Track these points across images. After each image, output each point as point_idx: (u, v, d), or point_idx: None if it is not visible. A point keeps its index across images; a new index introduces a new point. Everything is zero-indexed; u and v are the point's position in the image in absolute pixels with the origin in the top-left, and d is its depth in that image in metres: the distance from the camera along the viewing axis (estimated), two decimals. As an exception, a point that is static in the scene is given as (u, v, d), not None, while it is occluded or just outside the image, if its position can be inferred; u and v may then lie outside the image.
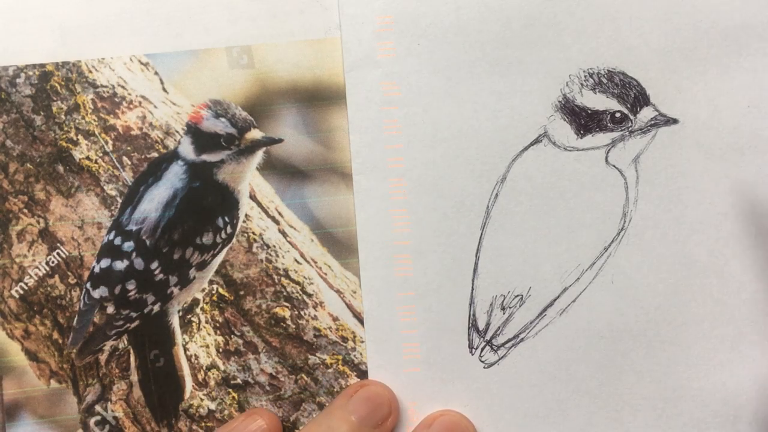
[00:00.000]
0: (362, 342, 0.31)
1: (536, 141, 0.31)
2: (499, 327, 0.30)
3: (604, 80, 0.31)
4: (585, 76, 0.31)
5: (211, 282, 0.32)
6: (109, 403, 0.31)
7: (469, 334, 0.31)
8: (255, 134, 0.32)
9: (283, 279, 0.32)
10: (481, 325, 0.31)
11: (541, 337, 0.30)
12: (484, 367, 0.30)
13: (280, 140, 0.32)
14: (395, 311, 0.31)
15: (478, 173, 0.31)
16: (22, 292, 0.31)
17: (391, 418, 0.29)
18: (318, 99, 0.32)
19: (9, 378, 0.31)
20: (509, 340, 0.30)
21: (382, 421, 0.29)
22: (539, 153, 0.31)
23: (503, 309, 0.30)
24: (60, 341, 0.31)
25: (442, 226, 0.31)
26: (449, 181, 0.31)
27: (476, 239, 0.31)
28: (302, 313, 0.31)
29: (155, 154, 0.32)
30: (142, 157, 0.32)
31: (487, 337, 0.30)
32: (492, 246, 0.31)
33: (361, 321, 0.31)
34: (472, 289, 0.30)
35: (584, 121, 0.31)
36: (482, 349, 0.30)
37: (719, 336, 0.30)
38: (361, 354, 0.31)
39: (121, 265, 0.31)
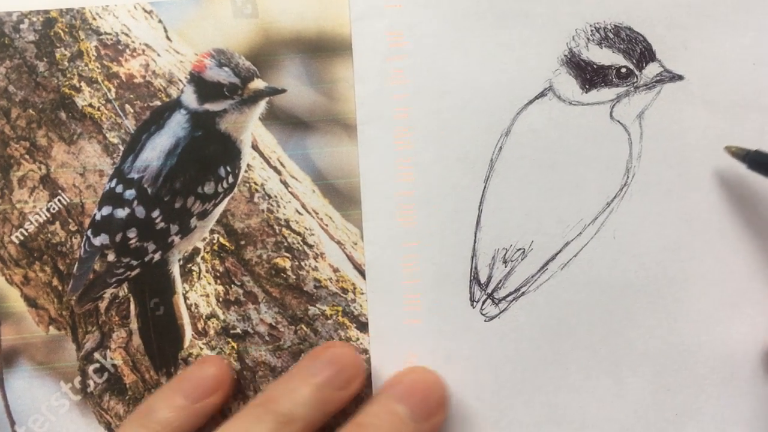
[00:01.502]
0: (362, 294, 0.31)
1: (541, 95, 0.31)
2: (500, 280, 0.30)
3: (611, 35, 0.31)
4: (591, 31, 0.31)
5: (212, 231, 0.32)
6: (108, 350, 0.31)
7: (470, 287, 0.30)
8: (258, 84, 0.31)
9: (284, 229, 0.32)
10: (483, 278, 0.30)
11: (543, 291, 0.30)
12: (484, 321, 0.30)
13: (283, 90, 0.31)
14: (397, 261, 0.31)
15: (483, 125, 0.31)
16: (22, 238, 0.31)
17: (357, 381, 0.28)
18: (322, 50, 0.32)
19: (7, 324, 0.31)
20: (510, 294, 0.30)
21: (346, 383, 0.28)
22: (544, 107, 0.30)
23: (505, 262, 0.30)
24: (60, 288, 0.31)
25: (446, 178, 0.31)
26: (454, 133, 0.31)
27: (479, 192, 0.30)
28: (303, 263, 0.31)
29: (158, 103, 0.31)
30: (145, 105, 0.32)
31: (489, 291, 0.30)
32: (495, 199, 0.30)
33: (361, 273, 0.31)
34: (475, 241, 0.30)
35: (590, 75, 0.30)
36: (483, 302, 0.30)
37: (719, 293, 0.30)
38: (360, 306, 0.31)
39: (122, 212, 0.31)
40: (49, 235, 0.31)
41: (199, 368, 0.29)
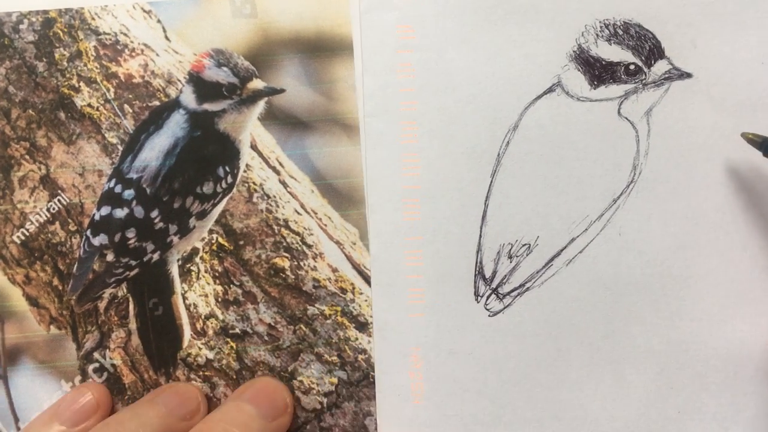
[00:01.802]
0: (361, 294, 0.31)
1: (549, 90, 0.30)
2: (505, 275, 0.30)
3: (620, 31, 0.30)
4: (601, 27, 0.30)
5: (211, 231, 0.31)
6: (107, 350, 0.31)
7: (475, 282, 0.30)
8: (257, 84, 0.31)
9: (282, 229, 0.31)
10: (488, 273, 0.30)
11: (547, 287, 0.30)
12: (489, 315, 0.30)
13: (281, 90, 0.31)
14: (402, 255, 0.30)
15: (491, 120, 0.30)
16: (23, 237, 0.31)
17: (199, 416, 0.30)
18: (321, 50, 0.31)
19: (10, 322, 0.31)
20: (515, 289, 0.30)
21: (190, 416, 0.29)
22: (552, 102, 0.30)
23: (510, 257, 0.30)
24: (60, 288, 0.31)
25: (452, 172, 0.30)
26: (461, 127, 0.30)
27: (486, 186, 0.30)
28: (302, 263, 0.31)
29: (157, 103, 0.31)
30: (144, 105, 0.31)
31: (493, 285, 0.30)
32: (501, 194, 0.30)
33: (360, 273, 0.31)
34: (480, 236, 0.30)
35: (598, 72, 0.30)
36: (488, 297, 0.30)
37: (723, 292, 0.29)
38: (359, 306, 0.31)
39: (121, 212, 0.31)
40: (49, 235, 0.31)
41: (77, 393, 0.30)
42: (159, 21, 0.32)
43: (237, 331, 0.31)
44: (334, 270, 0.31)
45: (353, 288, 0.31)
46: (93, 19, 0.31)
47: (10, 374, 0.31)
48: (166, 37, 0.32)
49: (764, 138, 0.28)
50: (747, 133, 0.28)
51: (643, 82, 0.30)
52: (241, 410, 0.28)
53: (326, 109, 0.31)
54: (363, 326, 0.31)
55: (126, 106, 0.31)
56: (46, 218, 0.31)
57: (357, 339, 0.31)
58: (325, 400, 0.31)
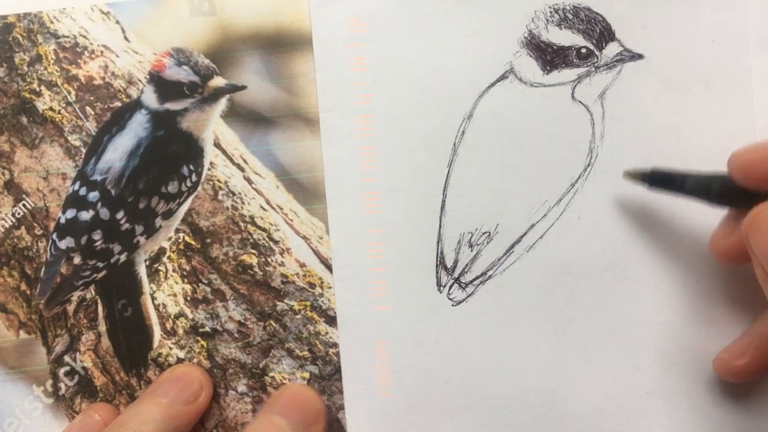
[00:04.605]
0: (330, 288, 0.31)
1: (502, 77, 0.30)
2: (467, 264, 0.30)
3: (570, 16, 0.30)
4: (551, 12, 0.30)
5: (177, 230, 0.31)
6: (77, 353, 0.31)
7: (437, 272, 0.30)
8: (218, 82, 0.31)
9: (249, 226, 0.31)
10: (449, 263, 0.30)
11: (509, 274, 0.30)
12: (452, 305, 0.30)
13: (243, 87, 0.31)
14: (364, 249, 0.30)
15: (445, 110, 0.30)
16: (-12, 244, 0.31)
17: (204, 394, 0.30)
18: (281, 45, 0.31)
19: (-23, 330, 0.31)
20: (477, 278, 0.30)
21: (194, 397, 0.29)
22: (506, 89, 0.30)
23: (471, 246, 0.30)
24: (28, 292, 0.31)
25: (409, 164, 0.30)
26: (416, 118, 0.30)
27: (443, 176, 0.30)
28: (269, 259, 0.31)
29: (118, 104, 0.31)
30: (106, 106, 0.31)
31: (455, 275, 0.30)
32: (459, 183, 0.30)
33: (328, 267, 0.31)
34: (440, 226, 0.30)
35: (550, 56, 0.30)
36: (450, 287, 0.30)
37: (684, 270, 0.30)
38: (329, 300, 0.31)
39: (86, 215, 0.31)
40: (15, 240, 0.31)
41: (84, 416, 0.30)
42: (117, 22, 0.32)
43: (207, 329, 0.31)
44: (302, 265, 0.31)
45: (321, 282, 0.31)
46: (52, 22, 0.31)
47: (-19, 381, 0.31)
48: (126, 38, 0.32)
49: (644, 171, 0.28)
50: (627, 171, 0.29)
51: (595, 65, 0.30)
52: (273, 424, 0.28)
53: (288, 104, 0.31)
54: (332, 320, 0.31)
55: (88, 109, 0.31)
56: (11, 223, 0.31)
57: (327, 333, 0.31)
58: (298, 394, 0.31)
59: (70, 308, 0.31)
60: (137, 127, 0.31)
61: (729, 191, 0.26)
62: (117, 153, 0.31)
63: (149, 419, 0.28)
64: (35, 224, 0.31)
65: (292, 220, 0.31)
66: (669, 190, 0.28)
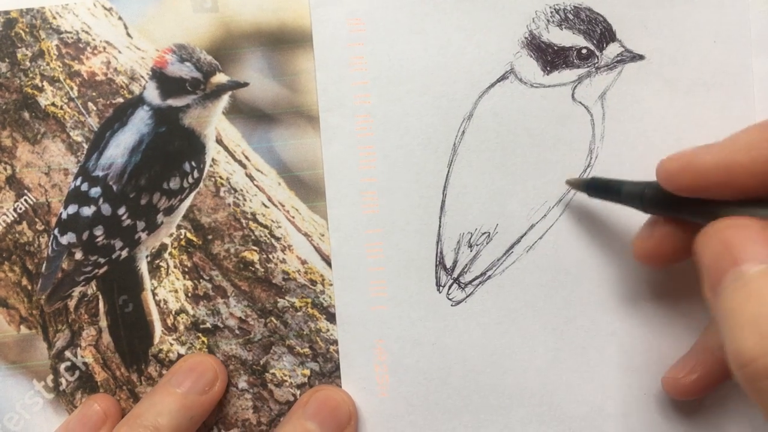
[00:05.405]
0: (331, 285, 0.31)
1: (503, 77, 0.30)
2: (466, 264, 0.30)
3: (571, 16, 0.30)
4: (551, 12, 0.30)
5: (179, 227, 0.32)
6: (78, 348, 0.31)
7: (436, 272, 0.30)
8: (220, 78, 0.31)
9: (251, 223, 0.32)
10: (449, 263, 0.30)
11: (508, 275, 0.30)
12: (451, 305, 0.30)
13: (245, 84, 0.31)
14: (363, 249, 0.30)
15: (445, 110, 0.30)
16: (-11, 239, 0.31)
17: (219, 383, 0.30)
18: (283, 42, 0.31)
19: (-21, 325, 0.31)
20: (476, 278, 0.30)
21: (209, 386, 0.29)
22: (506, 89, 0.30)
23: (470, 246, 0.30)
24: (29, 287, 0.31)
25: (409, 164, 0.30)
26: (416, 118, 0.30)
27: (443, 176, 0.30)
28: (270, 256, 0.31)
29: (120, 100, 0.32)
30: (108, 102, 0.32)
31: (455, 275, 0.30)
32: (459, 183, 0.30)
33: (329, 264, 0.31)
34: (440, 226, 0.30)
35: (550, 57, 0.30)
36: (449, 287, 0.30)
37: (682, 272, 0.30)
38: (330, 297, 0.31)
39: (88, 210, 0.31)
40: (16, 235, 0.31)
41: (85, 407, 0.30)
42: (120, 18, 0.32)
43: (208, 325, 0.31)
44: (303, 262, 0.31)
45: (323, 279, 0.31)
46: (54, 18, 0.31)
47: (-18, 375, 0.31)
48: (128, 34, 0.32)
49: (583, 180, 0.29)
50: (569, 180, 0.29)
51: (596, 65, 0.30)
52: (304, 428, 0.28)
53: (290, 101, 0.32)
54: (333, 317, 0.31)
55: (90, 104, 0.31)
56: (13, 218, 0.31)
57: (328, 330, 0.31)
58: (298, 392, 0.31)
59: (72, 304, 0.31)
60: (139, 123, 0.31)
61: (659, 198, 0.26)
62: (119, 149, 0.31)
63: (165, 411, 0.28)
64: (37, 219, 0.31)
65: (293, 217, 0.32)
66: (607, 198, 0.28)
